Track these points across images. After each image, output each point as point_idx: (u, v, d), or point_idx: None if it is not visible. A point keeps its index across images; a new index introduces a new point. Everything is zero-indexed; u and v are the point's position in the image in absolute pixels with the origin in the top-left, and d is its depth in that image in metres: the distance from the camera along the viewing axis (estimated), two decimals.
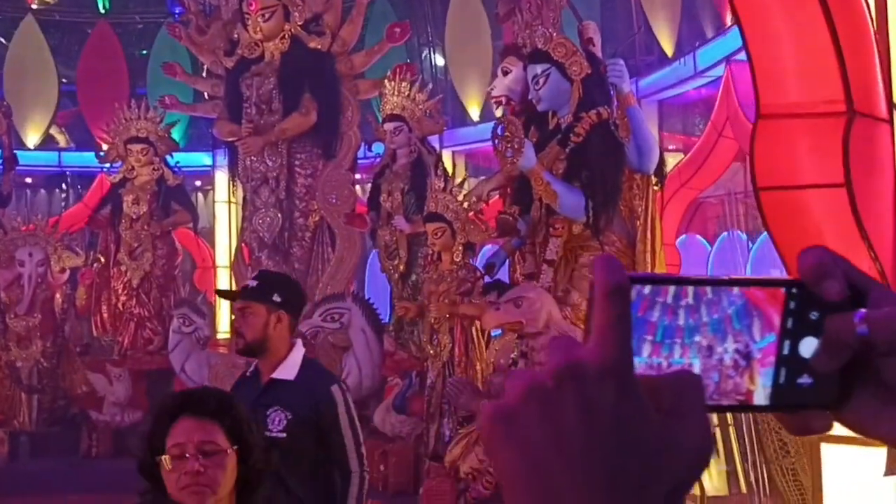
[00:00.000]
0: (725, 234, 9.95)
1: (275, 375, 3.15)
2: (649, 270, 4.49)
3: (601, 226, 4.42)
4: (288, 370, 3.15)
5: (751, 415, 4.18)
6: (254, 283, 3.25)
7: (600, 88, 4.63)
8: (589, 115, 4.45)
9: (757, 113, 3.01)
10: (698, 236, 9.84)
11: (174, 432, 1.88)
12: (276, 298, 3.13)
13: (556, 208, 4.46)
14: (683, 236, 9.59)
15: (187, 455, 1.83)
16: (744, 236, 9.79)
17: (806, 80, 3.03)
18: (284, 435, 3.06)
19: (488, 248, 7.32)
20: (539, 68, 4.61)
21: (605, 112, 4.52)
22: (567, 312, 4.40)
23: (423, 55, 13.55)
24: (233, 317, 8.91)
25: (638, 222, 4.51)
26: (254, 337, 3.12)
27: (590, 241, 4.53)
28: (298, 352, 3.21)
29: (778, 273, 7.91)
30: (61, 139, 14.03)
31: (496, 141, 4.49)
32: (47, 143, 13.43)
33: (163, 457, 1.85)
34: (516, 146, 4.25)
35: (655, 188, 4.50)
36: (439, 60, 13.55)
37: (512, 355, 5.10)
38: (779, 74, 3.01)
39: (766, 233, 9.48)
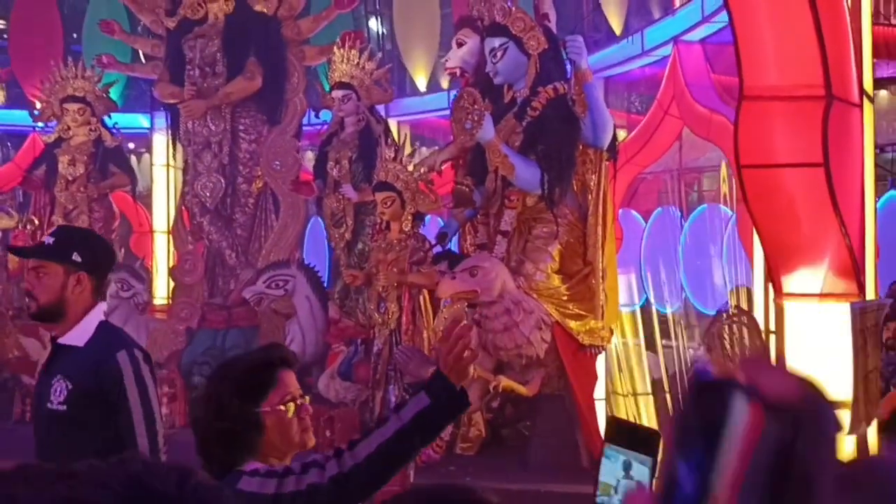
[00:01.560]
0: (660, 209, 10.24)
1: (62, 341, 2.85)
2: (600, 243, 4.64)
3: (556, 198, 4.54)
4: (77, 335, 2.84)
5: None
6: (50, 241, 2.89)
7: (556, 64, 4.72)
8: (546, 89, 4.55)
9: (741, 94, 3.17)
10: (633, 211, 10.10)
11: (283, 383, 2.03)
12: (76, 258, 2.82)
13: (513, 180, 4.55)
14: (620, 211, 9.83)
15: (298, 401, 2.03)
16: (678, 212, 10.09)
17: (788, 64, 3.19)
18: (64, 407, 2.77)
19: (431, 219, 7.41)
20: (497, 42, 4.68)
21: (561, 87, 4.62)
22: (520, 282, 4.52)
23: (369, 23, 13.45)
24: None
25: (590, 196, 4.64)
26: (48, 300, 2.81)
27: (543, 214, 4.65)
28: (95, 316, 2.88)
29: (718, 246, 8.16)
30: (0, 95, 13.48)
31: (454, 111, 4.55)
32: None
33: (287, 405, 2.01)
34: (476, 118, 4.32)
35: (607, 162, 4.64)
36: (378, 28, 13.46)
37: (462, 323, 5.21)
38: (762, 58, 3.17)
39: (701, 209, 9.82)
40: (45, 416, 2.86)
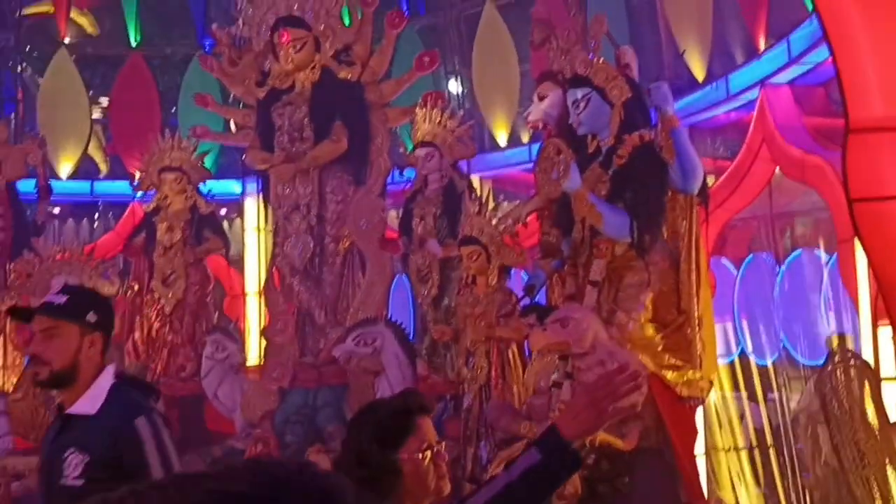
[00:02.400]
0: (751, 256, 9.94)
1: (72, 410, 2.64)
2: (694, 290, 4.52)
3: (646, 246, 4.47)
4: (89, 403, 2.63)
5: (826, 429, 4.18)
6: (63, 299, 2.69)
7: (641, 111, 4.71)
8: (631, 137, 4.52)
9: (846, 128, 3.08)
10: (724, 259, 9.84)
11: (421, 430, 2.07)
12: (91, 318, 2.65)
13: (601, 229, 4.51)
14: (711, 259, 9.58)
15: (435, 448, 2.05)
16: (770, 259, 9.78)
17: (893, 94, 3.09)
18: (81, 482, 2.55)
19: (515, 272, 7.37)
20: (580, 92, 4.69)
21: (647, 134, 4.59)
22: (613, 333, 4.44)
23: (449, 83, 13.75)
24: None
25: (681, 243, 4.55)
26: (62, 364, 2.60)
27: (634, 262, 4.57)
28: (106, 380, 2.66)
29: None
30: (104, 167, 14.26)
31: (539, 162, 4.56)
32: (80, 172, 13.68)
33: (424, 452, 2.04)
34: (562, 168, 4.32)
35: (698, 207, 4.55)
36: (457, 88, 13.72)
37: (553, 377, 5.13)
38: (866, 90, 3.08)
39: (796, 254, 9.49)
40: (57, 494, 2.64)
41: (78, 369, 2.63)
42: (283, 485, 0.73)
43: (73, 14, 14.28)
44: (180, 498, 0.72)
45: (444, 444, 2.13)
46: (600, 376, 2.00)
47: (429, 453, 2.04)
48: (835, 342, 4.69)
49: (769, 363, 8.48)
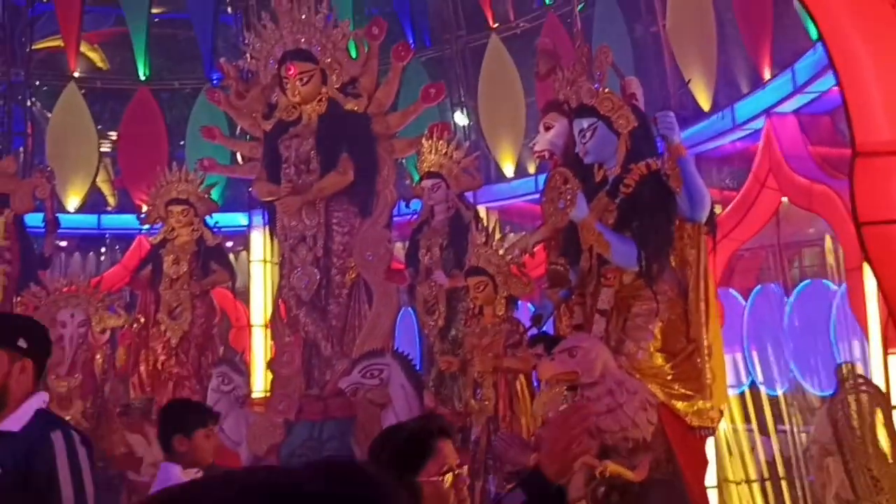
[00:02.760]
0: (759, 286, 9.90)
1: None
2: (703, 320, 4.49)
3: (654, 275, 4.45)
4: (14, 421, 2.66)
5: (840, 457, 4.11)
6: None
7: (647, 141, 4.71)
8: (638, 166, 4.52)
9: (853, 151, 3.07)
10: (731, 289, 9.79)
11: (441, 453, 2.07)
12: (22, 344, 2.69)
13: (609, 258, 4.49)
14: (718, 290, 9.53)
15: (455, 472, 2.06)
16: (778, 289, 9.73)
17: None
18: None
19: (521, 303, 7.34)
20: (585, 122, 4.70)
21: (654, 163, 4.59)
22: (622, 362, 4.40)
23: (454, 115, 13.85)
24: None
25: (689, 272, 4.53)
26: None
27: (642, 291, 4.55)
28: (35, 402, 2.71)
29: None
30: (112, 201, 14.34)
31: (546, 192, 4.56)
32: (88, 205, 13.77)
33: (444, 476, 2.05)
34: (569, 197, 4.32)
35: (706, 236, 4.54)
36: (463, 120, 13.81)
37: (562, 408, 5.08)
38: (872, 113, 3.08)
39: (804, 284, 9.43)
40: None
41: (7, 393, 2.65)
42: (357, 484, 0.74)
43: (84, 49, 14.47)
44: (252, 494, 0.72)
45: (465, 468, 2.10)
46: (553, 422, 2.09)
47: (449, 476, 2.00)
48: (845, 370, 4.65)
49: (780, 394, 8.40)
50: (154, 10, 14.22)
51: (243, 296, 12.23)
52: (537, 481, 1.89)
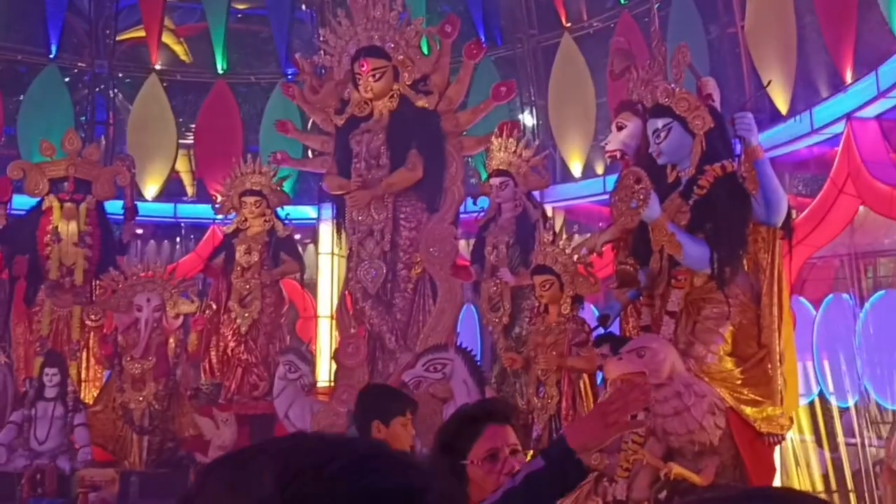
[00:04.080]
0: (832, 296, 9.65)
1: None
2: (775, 325, 4.42)
3: (726, 278, 4.40)
4: None
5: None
6: None
7: (723, 142, 4.66)
8: (713, 167, 4.48)
9: None
10: (801, 298, 9.58)
11: (487, 437, 2.06)
12: None
13: (681, 260, 4.46)
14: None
15: (503, 456, 2.03)
16: (850, 299, 9.48)
17: None
18: None
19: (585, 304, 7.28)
20: (660, 122, 4.67)
21: (729, 165, 4.54)
22: (691, 365, 4.37)
23: (523, 114, 13.84)
24: (333, 363, 9.15)
25: (762, 276, 4.47)
26: None
27: (713, 294, 4.50)
28: None
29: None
30: (191, 190, 14.76)
31: (617, 191, 4.55)
32: (164, 194, 14.21)
33: (491, 460, 2.05)
34: (642, 197, 4.30)
35: (782, 241, 4.47)
36: (530, 120, 13.79)
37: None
38: None
39: (879, 294, 9.16)
40: None
41: None
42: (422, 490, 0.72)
43: (170, 42, 14.92)
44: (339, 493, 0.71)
45: (519, 453, 2.10)
46: (615, 391, 2.04)
47: (499, 459, 2.02)
48: None
49: (851, 406, 8.19)
50: (234, 6, 14.58)
51: (311, 287, 12.45)
52: (559, 450, 1.86)
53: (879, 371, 8.65)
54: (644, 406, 1.96)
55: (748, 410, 4.37)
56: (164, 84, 14.28)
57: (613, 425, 1.86)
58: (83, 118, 14.69)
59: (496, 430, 2.08)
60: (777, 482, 5.28)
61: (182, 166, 14.50)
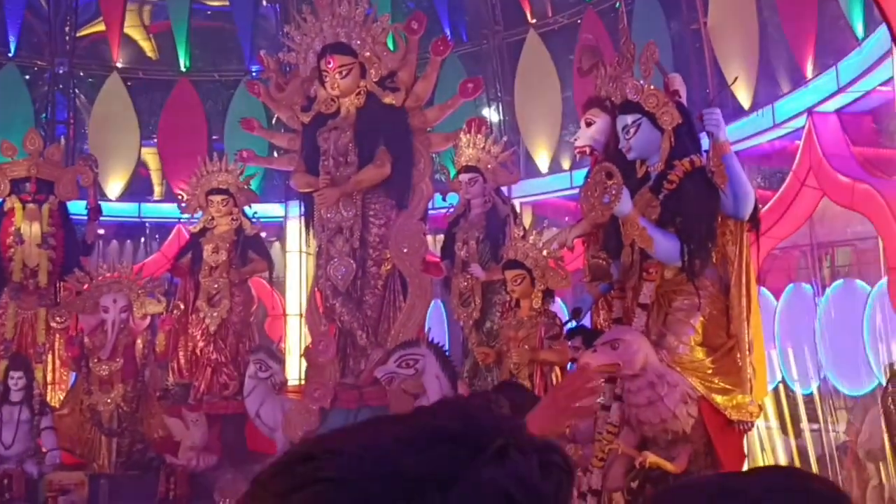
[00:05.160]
0: (792, 285, 9.88)
1: None
2: (744, 315, 4.54)
3: (696, 270, 4.51)
4: None
5: None
6: None
7: (690, 137, 4.76)
8: (682, 162, 4.58)
9: None
10: (763, 288, 9.79)
11: None
12: None
13: (652, 253, 4.55)
14: None
15: None
16: (810, 289, 9.71)
17: None
18: None
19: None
20: (630, 118, 4.76)
21: (697, 160, 4.64)
22: (663, 356, 4.47)
23: (490, 110, 13.91)
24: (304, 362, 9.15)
25: (731, 268, 4.59)
26: None
27: (684, 286, 4.61)
28: None
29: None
30: (159, 190, 14.58)
31: (588, 187, 4.63)
32: (127, 194, 14.03)
33: None
34: (614, 192, 4.39)
35: (749, 233, 4.59)
36: (494, 116, 13.86)
37: (599, 399, 5.15)
38: None
39: (837, 284, 9.40)
40: None
41: None
42: (491, 427, 0.73)
43: (138, 38, 14.70)
44: (389, 431, 0.73)
45: None
46: (565, 379, 2.11)
47: None
48: (893, 370, 4.66)
49: (814, 392, 8.41)
50: (197, 3, 14.43)
51: (279, 285, 12.40)
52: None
53: (840, 358, 8.88)
54: (593, 394, 2.02)
55: (719, 399, 4.48)
56: (129, 83, 14.09)
57: (564, 412, 1.92)
58: (44, 117, 14.45)
59: None
60: (744, 469, 5.41)
61: (151, 165, 14.33)
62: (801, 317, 9.42)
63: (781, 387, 8.47)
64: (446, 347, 8.84)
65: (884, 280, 7.81)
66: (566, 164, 12.01)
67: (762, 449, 7.03)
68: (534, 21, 13.40)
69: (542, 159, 12.63)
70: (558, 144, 12.26)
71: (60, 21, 14.50)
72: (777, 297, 9.54)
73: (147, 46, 14.89)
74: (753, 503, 0.90)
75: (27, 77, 14.29)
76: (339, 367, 8.73)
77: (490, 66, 13.88)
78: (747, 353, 4.55)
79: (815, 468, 7.25)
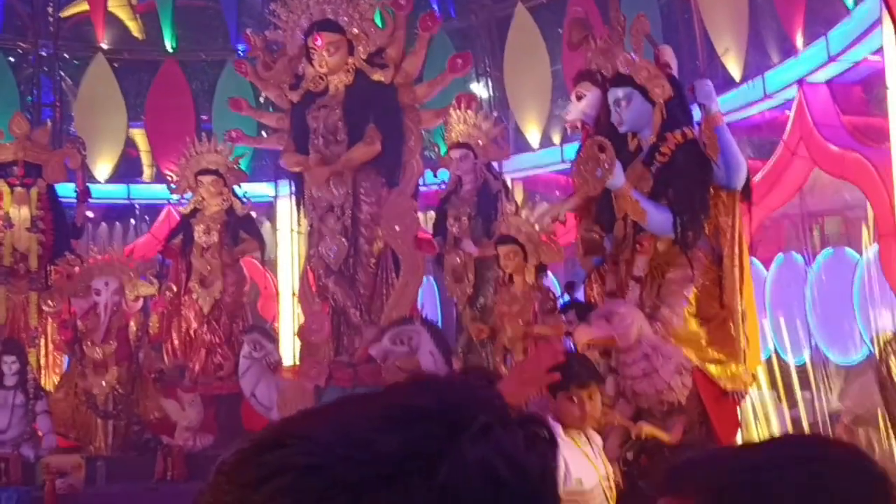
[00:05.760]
0: (781, 255, 9.92)
1: None
2: (737, 286, 4.57)
3: (689, 242, 4.52)
4: None
5: None
6: None
7: (682, 110, 4.76)
8: (674, 134, 4.58)
9: None
10: (753, 258, 9.84)
11: None
12: None
13: (645, 225, 4.57)
14: None
15: None
16: (800, 258, 9.77)
17: None
18: None
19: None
20: (621, 91, 4.76)
21: (689, 132, 4.65)
22: (657, 328, 4.50)
23: (479, 85, 13.83)
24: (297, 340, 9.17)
25: (723, 238, 4.61)
26: None
27: (677, 258, 4.63)
28: None
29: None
30: (149, 172, 14.47)
31: (580, 161, 4.63)
32: (116, 175, 13.94)
33: None
34: (607, 165, 4.39)
35: (741, 203, 4.60)
36: (483, 92, 13.80)
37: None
38: None
39: (827, 252, 9.44)
40: None
41: None
42: (468, 403, 0.69)
43: (125, 17, 14.52)
44: (360, 413, 0.68)
45: None
46: (532, 351, 2.19)
47: None
48: (883, 338, 4.70)
49: (806, 361, 8.48)
50: None
51: (270, 265, 12.38)
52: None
53: (830, 327, 8.95)
54: (557, 364, 2.07)
55: (713, 369, 4.52)
56: (114, 64, 13.94)
57: (529, 382, 1.96)
58: (29, 100, 14.30)
59: None
60: (739, 438, 5.48)
61: (141, 146, 14.22)
62: (792, 286, 9.48)
63: (774, 357, 8.54)
64: (439, 324, 8.90)
65: (873, 248, 7.87)
66: (557, 139, 11.99)
67: (755, 418, 7.11)
68: None
69: (533, 134, 12.60)
70: (548, 119, 12.23)
71: (43, 2, 14.32)
72: (767, 266, 9.59)
73: (133, 27, 14.72)
74: (770, 474, 0.89)
75: (11, 60, 14.12)
76: (333, 346, 8.75)
77: (479, 42, 13.80)
78: (740, 323, 4.58)
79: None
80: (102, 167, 13.65)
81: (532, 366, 2.03)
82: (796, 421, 7.77)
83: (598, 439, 3.71)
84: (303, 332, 9.04)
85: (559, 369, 3.58)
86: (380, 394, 0.72)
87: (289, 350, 10.86)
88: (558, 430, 3.53)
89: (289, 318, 11.36)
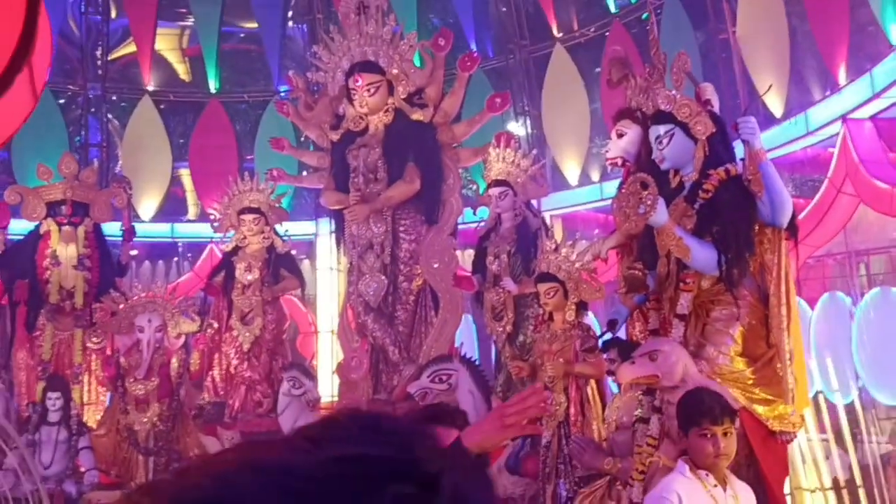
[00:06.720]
0: (827, 295, 9.75)
1: None
2: (784, 325, 4.48)
3: (734, 279, 4.46)
4: None
5: None
6: None
7: (724, 147, 4.73)
8: (717, 171, 4.55)
9: None
10: (799, 298, 9.67)
11: None
12: None
13: (689, 263, 4.52)
14: None
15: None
16: (846, 298, 9.58)
17: None
18: None
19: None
20: (662, 129, 4.74)
21: (733, 169, 4.61)
22: (703, 366, 4.42)
23: (516, 124, 13.94)
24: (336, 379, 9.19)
25: (769, 276, 4.53)
26: None
27: (721, 296, 4.56)
28: None
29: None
30: (194, 210, 14.75)
31: (621, 198, 4.61)
32: (160, 214, 14.21)
33: None
34: (650, 202, 4.36)
35: (787, 241, 4.54)
36: (520, 130, 13.87)
37: (637, 412, 5.11)
38: None
39: (874, 292, 9.25)
40: None
41: None
42: (428, 459, 0.63)
43: (172, 60, 14.95)
44: (299, 464, 0.59)
45: None
46: (516, 395, 2.10)
47: None
48: None
49: (855, 402, 8.27)
50: (226, 25, 14.65)
51: (310, 302, 12.47)
52: (454, 448, 1.89)
53: (878, 368, 8.74)
54: (542, 411, 2.04)
55: (760, 409, 4.42)
56: (160, 105, 14.33)
57: (510, 427, 1.92)
58: (77, 140, 14.72)
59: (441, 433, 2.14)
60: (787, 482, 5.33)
61: (187, 186, 14.52)
62: (837, 326, 9.29)
63: (821, 397, 8.35)
64: (478, 362, 8.86)
65: None
66: (595, 176, 11.99)
67: (803, 461, 6.93)
68: (560, 35, 13.43)
69: (571, 172, 12.61)
70: (587, 156, 12.25)
71: (92, 46, 14.78)
72: (812, 306, 9.42)
73: (181, 69, 15.13)
74: None
75: (60, 101, 14.57)
76: (371, 384, 8.74)
77: (516, 80, 13.93)
78: (788, 362, 4.49)
79: (858, 479, 7.13)
80: (147, 206, 13.94)
81: (515, 409, 1.98)
82: (845, 462, 7.56)
83: (745, 492, 3.53)
84: (341, 370, 9.05)
85: (692, 403, 3.54)
86: (316, 435, 0.62)
87: (327, 387, 10.87)
88: (684, 468, 3.44)
89: (328, 356, 11.39)
